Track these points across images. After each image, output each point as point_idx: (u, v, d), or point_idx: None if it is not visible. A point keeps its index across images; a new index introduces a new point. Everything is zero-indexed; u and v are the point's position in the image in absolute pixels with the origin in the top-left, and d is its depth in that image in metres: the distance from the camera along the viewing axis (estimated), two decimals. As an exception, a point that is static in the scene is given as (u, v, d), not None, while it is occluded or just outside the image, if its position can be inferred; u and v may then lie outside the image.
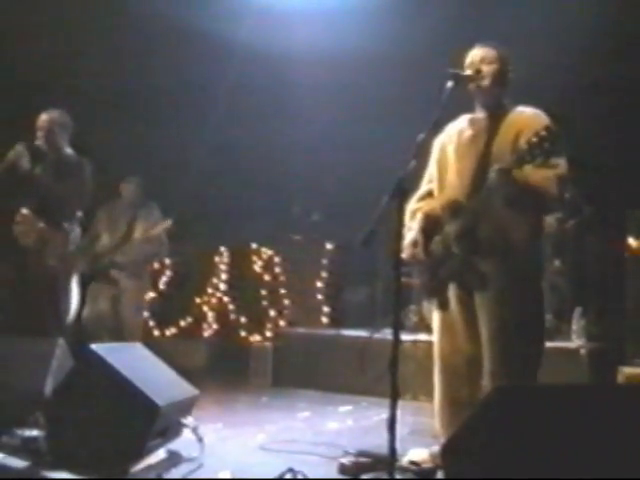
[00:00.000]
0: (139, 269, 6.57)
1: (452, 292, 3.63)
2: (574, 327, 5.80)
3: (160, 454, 3.90)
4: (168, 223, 6.40)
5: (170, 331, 8.03)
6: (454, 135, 3.74)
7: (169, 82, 7.24)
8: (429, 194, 3.83)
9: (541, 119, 3.54)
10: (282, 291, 7.66)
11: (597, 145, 6.02)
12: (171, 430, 3.95)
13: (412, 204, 3.76)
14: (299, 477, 3.44)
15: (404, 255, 3.59)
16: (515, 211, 3.46)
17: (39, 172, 5.14)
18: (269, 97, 7.26)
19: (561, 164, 3.41)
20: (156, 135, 7.43)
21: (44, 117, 5.17)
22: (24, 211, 5.04)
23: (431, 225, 3.66)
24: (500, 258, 3.49)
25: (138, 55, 7.19)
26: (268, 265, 7.90)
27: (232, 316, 7.87)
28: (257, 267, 7.93)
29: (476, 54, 3.65)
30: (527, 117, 3.58)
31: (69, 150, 5.26)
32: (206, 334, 7.94)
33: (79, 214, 5.30)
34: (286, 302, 7.63)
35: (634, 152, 5.98)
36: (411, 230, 3.67)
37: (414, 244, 3.64)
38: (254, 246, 7.97)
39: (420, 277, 3.78)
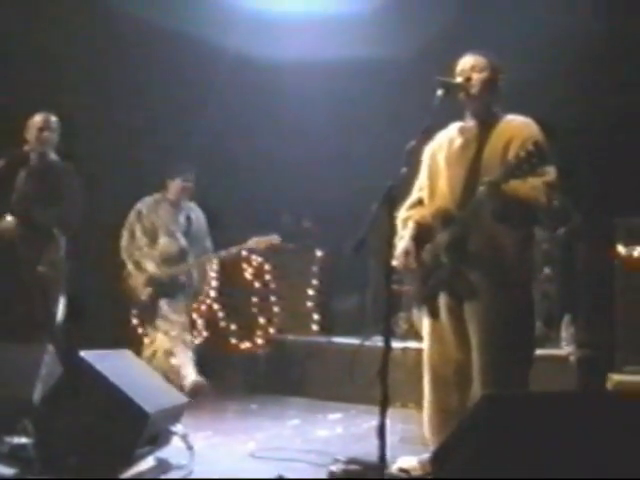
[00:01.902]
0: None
1: (442, 301, 3.63)
2: (563, 334, 5.81)
3: (149, 462, 3.89)
4: (277, 239, 6.07)
5: (160, 338, 8.00)
6: (445, 143, 3.75)
7: (157, 90, 7.23)
8: (419, 202, 3.83)
9: (531, 128, 3.55)
10: (272, 298, 7.63)
11: (587, 152, 6.05)
12: (160, 438, 3.93)
13: (403, 212, 3.76)
14: (288, 485, 3.44)
15: (397, 264, 3.59)
16: (504, 224, 3.46)
17: (23, 177, 5.14)
18: (259, 105, 7.26)
19: (550, 172, 3.43)
20: (143, 144, 7.40)
21: (38, 118, 5.17)
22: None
23: (422, 234, 3.66)
24: (490, 268, 3.49)
25: (126, 61, 7.18)
26: (258, 272, 7.88)
27: (222, 323, 7.83)
28: (247, 274, 7.90)
29: (467, 62, 3.66)
30: (517, 126, 3.60)
31: (54, 155, 5.25)
32: (196, 341, 7.91)
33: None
34: (276, 309, 7.60)
35: (624, 159, 6.00)
36: (402, 239, 3.67)
37: (406, 253, 3.63)
38: (244, 253, 7.95)
39: (411, 285, 3.78)
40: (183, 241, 6.09)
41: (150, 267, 6.00)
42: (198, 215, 6.25)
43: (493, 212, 3.38)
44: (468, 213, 3.46)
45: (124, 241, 6.08)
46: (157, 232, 6.06)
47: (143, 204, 6.13)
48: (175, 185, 6.09)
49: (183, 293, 6.07)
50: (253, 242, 6.06)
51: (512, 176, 3.27)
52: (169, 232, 6.05)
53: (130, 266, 6.05)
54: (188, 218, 6.17)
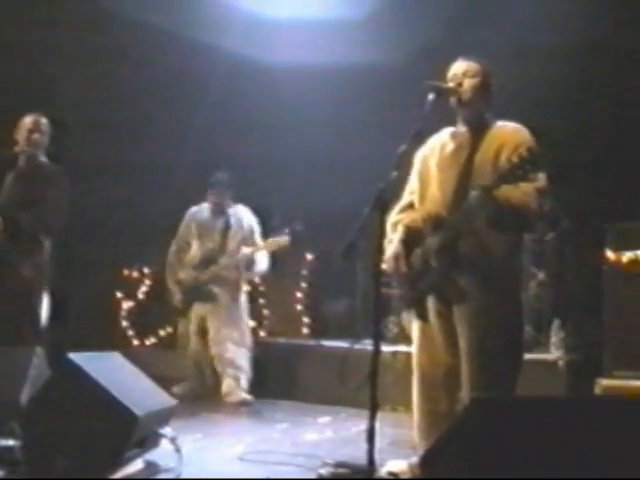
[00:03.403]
0: (237, 284, 6.29)
1: (431, 304, 3.63)
2: (552, 339, 5.82)
3: (138, 464, 3.88)
4: (286, 240, 6.03)
5: (149, 341, 7.97)
6: (436, 148, 3.75)
7: (151, 91, 7.22)
8: (410, 206, 3.83)
9: (522, 134, 3.56)
10: (262, 301, 7.63)
11: (576, 158, 6.07)
12: (149, 440, 3.93)
13: (393, 216, 3.76)
14: (277, 488, 3.44)
15: (387, 268, 3.60)
16: (498, 231, 3.46)
17: (11, 179, 5.12)
18: (252, 108, 7.26)
19: (540, 177, 3.43)
20: (137, 146, 7.39)
21: (28, 119, 5.15)
22: None
23: (412, 237, 3.66)
24: (479, 273, 3.50)
25: (122, 63, 7.17)
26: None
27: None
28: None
29: (459, 67, 3.67)
30: (509, 132, 3.60)
31: (43, 157, 5.22)
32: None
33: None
34: (266, 312, 7.60)
35: (613, 164, 6.03)
36: (392, 242, 3.67)
37: (396, 257, 3.63)
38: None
39: (400, 288, 3.79)
40: (209, 245, 6.16)
41: (181, 274, 6.17)
42: (241, 220, 6.28)
43: (487, 219, 3.38)
44: (459, 218, 3.46)
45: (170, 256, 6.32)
46: (192, 238, 6.23)
47: (189, 212, 6.31)
48: (209, 194, 6.28)
49: (207, 298, 6.14)
50: (264, 244, 6.14)
51: (505, 181, 3.28)
52: (199, 237, 6.18)
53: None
54: (226, 222, 6.21)
